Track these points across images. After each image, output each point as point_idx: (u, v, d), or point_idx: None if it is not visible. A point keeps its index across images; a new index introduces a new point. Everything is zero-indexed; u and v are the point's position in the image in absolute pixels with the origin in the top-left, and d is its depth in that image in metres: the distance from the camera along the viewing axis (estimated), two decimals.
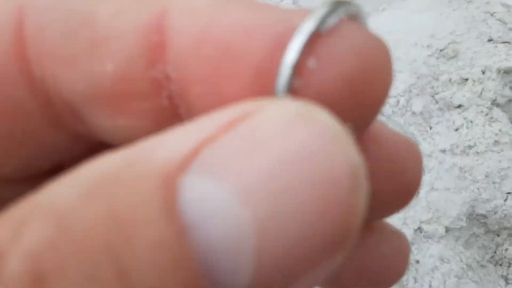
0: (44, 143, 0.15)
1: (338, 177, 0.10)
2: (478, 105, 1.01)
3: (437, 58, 1.10)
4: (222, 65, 0.12)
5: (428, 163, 0.93)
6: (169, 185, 0.09)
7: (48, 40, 0.13)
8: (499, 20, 1.20)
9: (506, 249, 0.90)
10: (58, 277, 0.08)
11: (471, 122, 1.00)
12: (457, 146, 0.97)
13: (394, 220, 0.88)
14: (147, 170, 0.09)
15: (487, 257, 0.89)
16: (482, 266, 0.87)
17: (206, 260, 0.09)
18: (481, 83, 1.03)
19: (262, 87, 0.12)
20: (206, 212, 0.09)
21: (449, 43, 1.12)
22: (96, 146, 0.15)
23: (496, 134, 0.96)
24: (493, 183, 0.92)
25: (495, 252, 0.90)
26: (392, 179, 0.15)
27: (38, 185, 0.11)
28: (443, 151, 0.96)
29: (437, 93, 1.04)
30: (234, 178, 0.09)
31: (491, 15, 1.21)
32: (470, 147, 0.97)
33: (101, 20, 0.13)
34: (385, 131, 0.16)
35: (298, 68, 0.12)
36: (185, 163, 0.10)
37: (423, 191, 0.90)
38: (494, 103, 1.01)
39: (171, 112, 0.14)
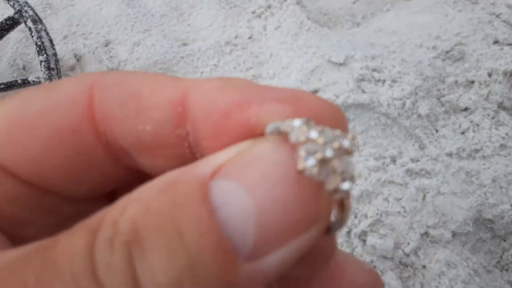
0: (107, 173, 0.22)
1: (304, 188, 0.16)
2: (484, 108, 1.00)
3: (443, 60, 1.09)
4: (220, 127, 0.19)
5: (434, 167, 0.92)
6: (204, 185, 0.16)
7: (108, 107, 0.20)
8: (505, 22, 1.19)
9: None
10: (146, 231, 0.15)
11: (478, 125, 0.99)
12: (464, 150, 0.95)
13: (401, 225, 0.87)
14: (192, 177, 0.16)
15: (494, 262, 0.88)
16: (489, 271, 0.87)
17: (227, 228, 0.15)
18: (487, 85, 1.02)
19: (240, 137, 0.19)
20: (227, 200, 0.16)
21: (455, 45, 1.11)
22: (142, 175, 0.22)
23: (503, 138, 0.95)
24: (500, 187, 0.91)
25: (501, 257, 0.89)
26: None
27: (101, 203, 0.21)
28: (450, 154, 0.95)
29: (443, 96, 1.03)
30: (243, 181, 0.16)
31: (497, 16, 1.20)
32: (476, 151, 0.96)
33: (143, 96, 0.20)
34: (350, 262, 0.22)
35: None
36: (213, 174, 0.16)
37: (429, 195, 0.89)
38: (501, 106, 1.00)
39: (191, 156, 0.20)
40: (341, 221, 0.18)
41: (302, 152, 0.16)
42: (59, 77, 1.00)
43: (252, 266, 0.16)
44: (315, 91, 1.06)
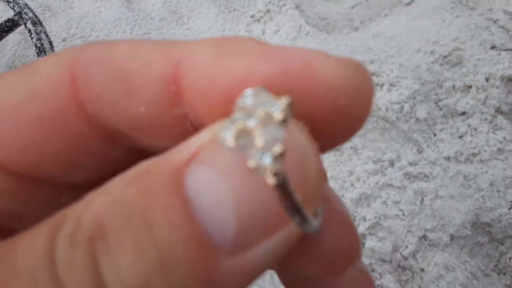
0: (104, 157, 0.20)
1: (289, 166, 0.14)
2: (482, 113, 1.01)
3: (441, 64, 1.10)
4: (223, 109, 0.16)
5: (432, 171, 0.93)
6: (178, 172, 0.15)
7: (93, 89, 0.18)
8: (502, 28, 1.20)
9: (510, 258, 0.90)
10: (111, 224, 0.14)
11: (475, 129, 0.99)
12: (461, 154, 0.96)
13: (399, 228, 0.87)
14: (165, 165, 0.15)
15: (491, 265, 0.89)
16: (487, 275, 0.87)
17: (203, 217, 0.14)
18: (485, 90, 1.03)
19: None
20: (202, 187, 0.14)
21: (452, 50, 1.12)
22: (147, 154, 0.19)
23: (501, 142, 0.96)
24: (498, 191, 0.91)
25: (498, 261, 0.90)
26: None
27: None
28: (447, 158, 0.96)
29: (441, 100, 1.04)
30: (216, 165, 0.14)
31: (494, 22, 1.21)
32: (474, 154, 0.96)
33: (131, 73, 0.17)
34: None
35: None
36: (189, 160, 0.15)
37: (427, 198, 0.90)
38: (498, 110, 1.01)
39: (195, 133, 0.18)
40: (292, 211, 0.14)
41: (226, 122, 0.14)
42: None
43: (235, 261, 0.14)
44: None
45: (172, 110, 0.18)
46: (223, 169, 0.14)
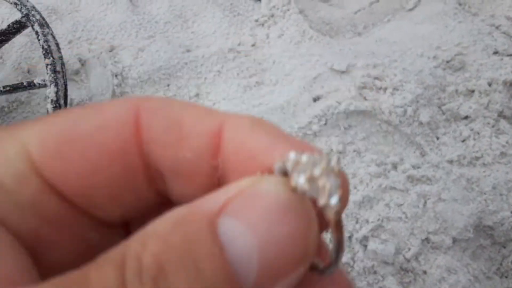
0: (142, 197, 0.23)
1: (299, 224, 0.18)
2: (484, 117, 1.01)
3: (444, 69, 1.11)
4: (246, 167, 0.20)
5: (435, 174, 0.93)
6: (212, 222, 0.17)
7: (154, 132, 0.21)
8: (504, 33, 1.21)
9: None
10: (170, 266, 0.16)
11: (478, 133, 1.00)
12: (464, 157, 0.97)
13: (402, 230, 0.87)
14: (200, 214, 0.18)
15: (493, 269, 0.89)
16: (489, 278, 0.87)
17: (233, 264, 0.17)
18: (487, 95, 1.04)
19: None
20: (232, 237, 0.17)
21: (455, 55, 1.13)
22: (165, 203, 0.23)
23: (503, 146, 0.96)
24: (500, 195, 0.92)
25: (501, 264, 0.90)
26: None
27: (119, 234, 0.24)
28: (450, 162, 0.96)
29: (444, 104, 1.05)
30: (245, 219, 0.17)
31: (496, 28, 1.22)
32: (477, 158, 0.97)
33: (186, 124, 0.21)
34: None
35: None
36: (220, 211, 0.18)
37: (430, 201, 0.90)
38: (501, 115, 1.02)
39: (219, 187, 0.21)
40: (339, 244, 0.19)
41: (294, 173, 0.18)
42: (65, 80, 1.01)
43: None
44: (317, 98, 1.08)
45: (211, 160, 0.21)
46: (250, 224, 0.17)
